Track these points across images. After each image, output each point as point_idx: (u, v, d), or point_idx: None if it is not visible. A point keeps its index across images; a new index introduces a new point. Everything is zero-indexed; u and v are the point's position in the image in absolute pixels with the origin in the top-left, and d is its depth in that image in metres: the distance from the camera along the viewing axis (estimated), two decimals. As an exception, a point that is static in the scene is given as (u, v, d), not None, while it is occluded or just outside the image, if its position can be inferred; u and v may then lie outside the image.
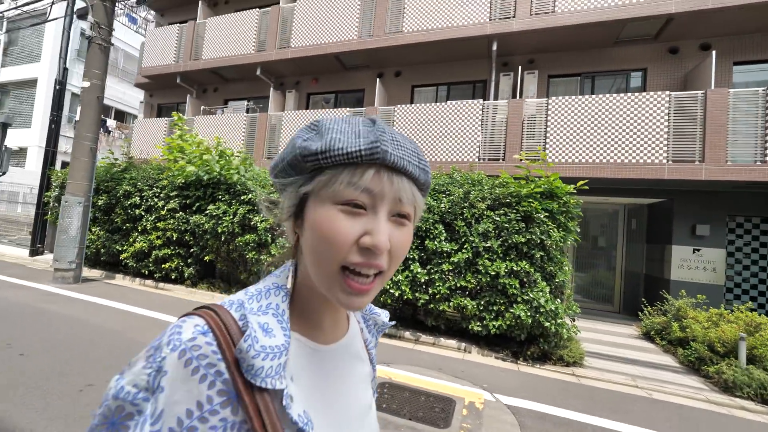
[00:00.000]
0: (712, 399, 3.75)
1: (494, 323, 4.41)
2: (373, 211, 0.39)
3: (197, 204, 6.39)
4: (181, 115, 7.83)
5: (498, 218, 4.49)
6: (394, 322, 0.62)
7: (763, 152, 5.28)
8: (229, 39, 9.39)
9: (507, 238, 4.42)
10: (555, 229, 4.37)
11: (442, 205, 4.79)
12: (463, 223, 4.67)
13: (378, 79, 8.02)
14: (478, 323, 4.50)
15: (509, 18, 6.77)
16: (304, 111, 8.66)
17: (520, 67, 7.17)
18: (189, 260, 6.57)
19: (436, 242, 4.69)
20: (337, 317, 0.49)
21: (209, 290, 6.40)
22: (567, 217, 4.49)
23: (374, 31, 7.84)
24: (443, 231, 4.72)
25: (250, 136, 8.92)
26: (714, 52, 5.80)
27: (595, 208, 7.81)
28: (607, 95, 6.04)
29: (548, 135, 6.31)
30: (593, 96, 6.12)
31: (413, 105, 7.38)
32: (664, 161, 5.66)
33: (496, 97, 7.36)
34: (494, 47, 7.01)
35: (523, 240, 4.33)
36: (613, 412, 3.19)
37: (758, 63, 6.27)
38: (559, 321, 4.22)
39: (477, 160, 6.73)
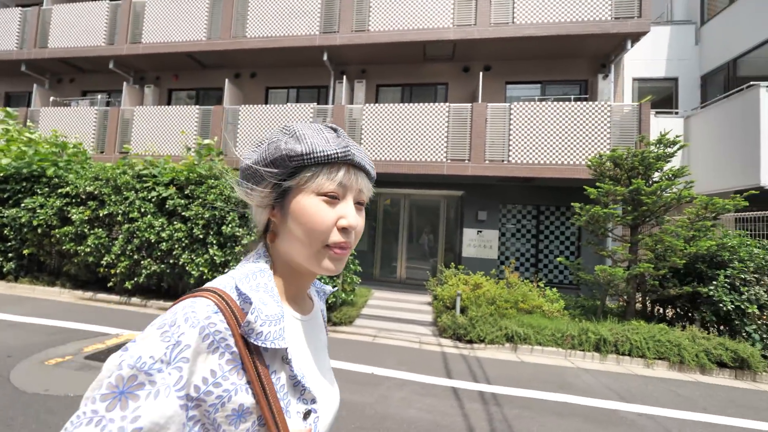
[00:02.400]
0: (425, 341, 5.00)
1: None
2: (344, 199, 0.51)
3: (15, 197, 6.36)
4: (9, 110, 7.55)
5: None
6: (336, 288, 0.83)
7: (508, 154, 6.86)
8: (78, 29, 9.12)
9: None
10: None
11: (230, 192, 5.52)
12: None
13: (227, 80, 8.50)
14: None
15: (334, 33, 7.71)
16: (165, 107, 8.80)
17: (344, 77, 8.15)
18: (9, 255, 6.50)
19: (230, 228, 5.41)
20: (305, 294, 0.59)
21: (31, 284, 6.41)
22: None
23: (221, 33, 8.30)
24: (236, 218, 5.46)
25: (101, 130, 8.83)
26: (481, 74, 7.31)
27: (427, 199, 9.18)
28: (406, 104, 7.27)
29: (363, 136, 7.37)
30: (396, 105, 7.31)
31: (258, 106, 8.01)
32: (444, 160, 7.02)
33: (334, 102, 8.30)
34: (325, 57, 7.91)
35: (294, 224, 5.24)
36: (335, 352, 4.20)
37: (524, 83, 7.99)
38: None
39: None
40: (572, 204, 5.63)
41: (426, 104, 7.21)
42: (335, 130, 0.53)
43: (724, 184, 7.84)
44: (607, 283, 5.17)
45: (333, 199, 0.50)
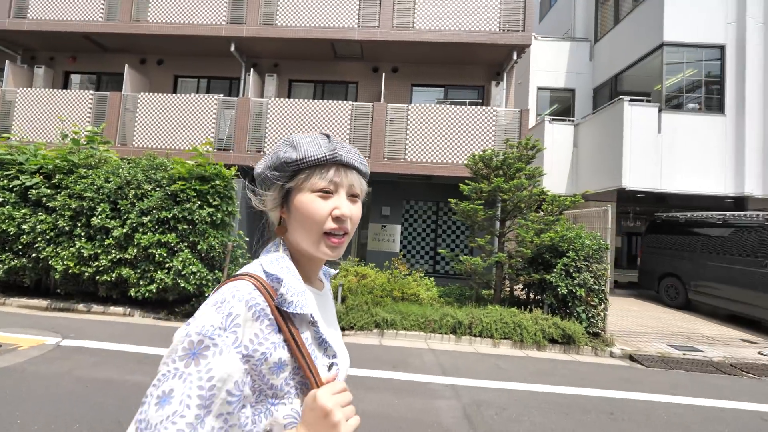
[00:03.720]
0: None
1: (148, 288, 5.15)
2: (337, 193, 0.61)
3: None
4: None
5: (152, 196, 5.22)
6: (338, 271, 0.89)
7: (405, 152, 7.22)
8: (-50, -3, 8.15)
9: (157, 215, 5.18)
10: (204, 207, 5.30)
11: (110, 184, 5.31)
12: (128, 202, 5.28)
13: (126, 66, 8.05)
14: (135, 289, 5.18)
15: (241, 24, 7.61)
16: (53, 90, 8.12)
17: (252, 69, 8.08)
18: None
19: (99, 219, 5.18)
20: (317, 275, 0.72)
21: None
22: (220, 197, 5.48)
23: (121, 15, 7.85)
24: (107, 209, 5.24)
25: (-22, 112, 7.96)
26: (384, 75, 7.61)
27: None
28: (311, 100, 7.38)
29: (267, 131, 7.37)
30: (301, 100, 7.39)
31: (159, 94, 7.68)
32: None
33: (245, 95, 8.18)
34: (232, 48, 7.78)
35: (168, 215, 5.16)
36: None
37: (429, 86, 8.44)
38: (200, 281, 5.17)
39: (213, 150, 7.43)
40: (449, 200, 6.09)
41: (330, 101, 7.37)
42: (327, 137, 0.63)
43: (602, 185, 8.86)
44: (473, 272, 5.67)
45: (327, 194, 0.61)
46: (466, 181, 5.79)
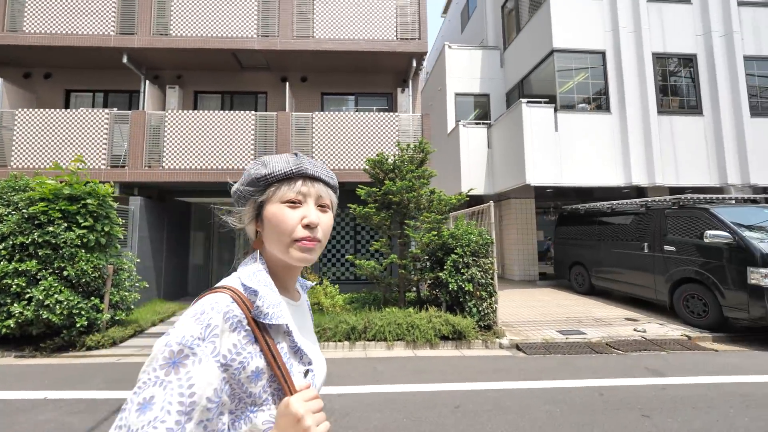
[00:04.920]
0: None
1: (5, 323, 4.60)
2: (305, 203, 0.66)
3: None
4: None
5: (8, 221, 4.72)
6: (315, 283, 1.03)
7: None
8: None
9: (12, 240, 4.69)
10: (74, 228, 4.87)
11: (-45, 212, 4.72)
12: (7, 223, 4.72)
13: (1, 80, 7.33)
14: (-11, 326, 4.61)
15: (132, 35, 7.23)
16: None
17: (147, 82, 7.70)
18: None
19: (-58, 251, 4.58)
20: (293, 286, 0.75)
21: None
22: (96, 217, 5.07)
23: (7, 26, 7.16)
24: (-48, 239, 4.65)
25: None
26: (291, 84, 7.56)
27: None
28: (210, 112, 7.14)
29: (165, 145, 6.99)
30: (200, 112, 7.13)
31: (40, 110, 7.05)
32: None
33: (144, 108, 7.73)
34: (125, 59, 7.36)
35: (27, 240, 4.68)
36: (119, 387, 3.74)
37: (339, 95, 8.51)
38: (70, 310, 4.70)
39: (104, 167, 6.92)
40: (348, 205, 6.10)
41: (233, 112, 7.17)
42: (296, 155, 0.69)
43: (510, 183, 9.35)
44: (373, 275, 5.68)
45: (296, 204, 0.65)
46: (359, 185, 5.84)
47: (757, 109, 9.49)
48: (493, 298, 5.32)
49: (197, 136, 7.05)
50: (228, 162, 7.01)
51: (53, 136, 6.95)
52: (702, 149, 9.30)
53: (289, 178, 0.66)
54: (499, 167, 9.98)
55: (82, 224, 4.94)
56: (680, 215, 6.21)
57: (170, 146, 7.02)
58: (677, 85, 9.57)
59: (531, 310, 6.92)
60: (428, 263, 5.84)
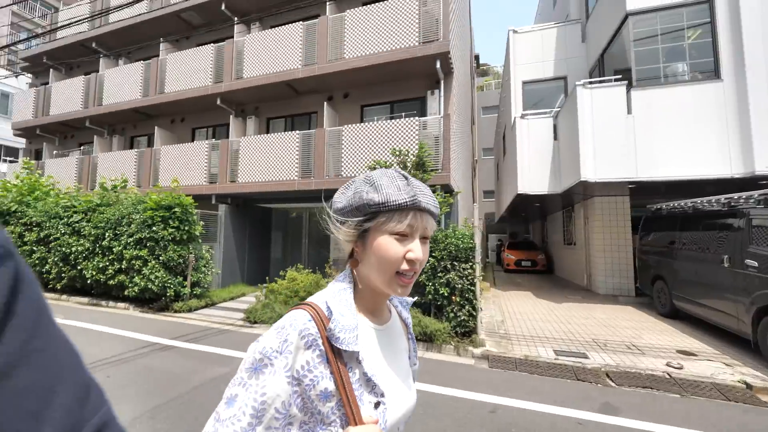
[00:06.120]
0: (233, 323, 6.39)
1: (132, 289, 7.10)
2: (412, 237, 0.66)
3: None
4: (27, 160, 10.59)
5: (134, 223, 7.22)
6: (415, 299, 0.96)
7: (339, 170, 8.04)
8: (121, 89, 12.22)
9: (137, 236, 7.14)
10: (167, 228, 7.07)
11: (108, 215, 7.52)
12: (123, 228, 7.39)
13: (156, 127, 10.80)
14: (129, 290, 7.18)
15: (220, 83, 9.61)
16: (266, 135, 11.34)
17: (231, 116, 9.96)
18: None
19: (105, 242, 7.40)
20: (383, 307, 0.75)
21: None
22: (181, 220, 7.20)
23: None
24: (111, 234, 7.43)
25: (140, 167, 11.66)
26: (327, 103, 8.63)
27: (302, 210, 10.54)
28: (266, 135, 8.85)
29: (240, 163, 9.06)
30: (259, 136, 8.94)
31: (172, 146, 10.13)
32: (296, 178, 8.41)
33: (227, 136, 10.08)
34: (218, 101, 9.83)
35: (142, 236, 7.06)
36: (175, 337, 5.86)
37: (377, 105, 9.11)
38: (163, 283, 6.88)
39: (204, 182, 9.48)
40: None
41: (282, 133, 8.72)
42: (406, 178, 0.68)
43: (569, 180, 8.13)
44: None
45: (403, 237, 0.65)
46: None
47: None
48: (473, 305, 5.07)
49: (259, 156, 8.85)
50: (279, 174, 8.56)
51: (178, 161, 9.87)
52: None
53: (401, 209, 0.65)
54: (565, 161, 8.71)
55: (171, 225, 7.11)
56: (768, 217, 4.45)
57: (243, 165, 9.03)
58: None
59: (558, 327, 6.07)
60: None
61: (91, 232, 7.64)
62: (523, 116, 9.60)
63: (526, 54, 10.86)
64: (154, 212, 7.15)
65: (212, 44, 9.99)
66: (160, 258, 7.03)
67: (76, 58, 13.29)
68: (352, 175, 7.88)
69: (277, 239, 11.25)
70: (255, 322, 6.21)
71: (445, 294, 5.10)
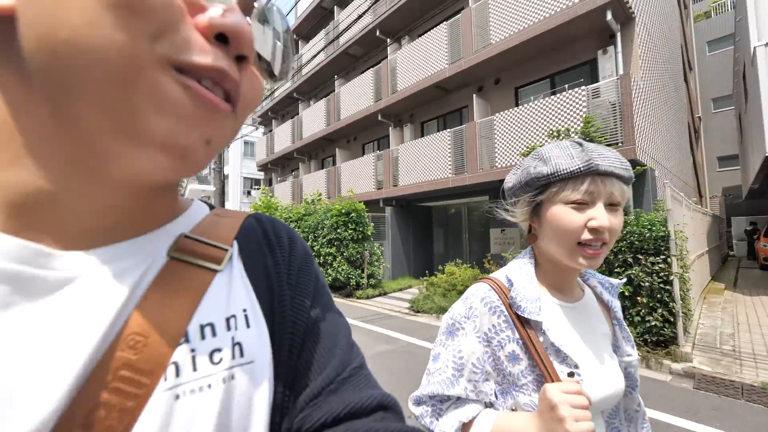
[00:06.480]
0: (400, 311, 7.25)
1: (327, 279, 8.96)
2: (593, 204, 0.61)
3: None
4: (264, 187, 15.26)
5: (325, 227, 9.12)
6: (624, 280, 0.85)
7: (493, 162, 7.71)
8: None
9: (328, 237, 8.97)
10: (348, 230, 8.60)
11: (310, 222, 9.71)
12: (320, 231, 9.45)
13: (337, 148, 13.22)
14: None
15: (380, 100, 10.92)
16: (420, 139, 14.57)
17: (390, 126, 11.05)
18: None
19: (309, 243, 9.63)
20: (571, 285, 0.71)
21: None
22: (357, 222, 8.61)
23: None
24: (311, 236, 9.62)
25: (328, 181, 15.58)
26: (475, 95, 8.46)
27: (460, 205, 10.37)
28: (418, 140, 9.47)
29: (400, 167, 10.05)
30: (412, 142, 9.65)
31: (352, 161, 12.21)
32: (450, 175, 8.64)
33: (388, 146, 11.27)
34: (379, 117, 11.20)
35: (331, 236, 8.81)
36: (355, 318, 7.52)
37: (533, 83, 8.24)
38: (348, 275, 8.41)
39: (373, 189, 10.97)
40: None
41: (430, 136, 9.18)
42: (581, 145, 0.64)
43: None
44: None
45: (582, 204, 0.61)
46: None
47: None
48: (669, 309, 3.91)
49: (414, 159, 9.53)
50: (433, 174, 8.97)
51: (353, 173, 11.76)
52: None
53: (574, 176, 0.61)
54: None
55: (350, 227, 8.59)
56: None
57: (402, 169, 9.94)
58: None
59: None
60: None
61: (301, 235, 10.07)
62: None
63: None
64: (337, 218, 8.81)
65: (371, 69, 11.50)
66: (344, 254, 8.60)
67: (285, 108, 17.90)
68: (508, 165, 7.43)
69: (438, 235, 11.76)
70: (418, 311, 6.74)
71: (626, 293, 4.14)
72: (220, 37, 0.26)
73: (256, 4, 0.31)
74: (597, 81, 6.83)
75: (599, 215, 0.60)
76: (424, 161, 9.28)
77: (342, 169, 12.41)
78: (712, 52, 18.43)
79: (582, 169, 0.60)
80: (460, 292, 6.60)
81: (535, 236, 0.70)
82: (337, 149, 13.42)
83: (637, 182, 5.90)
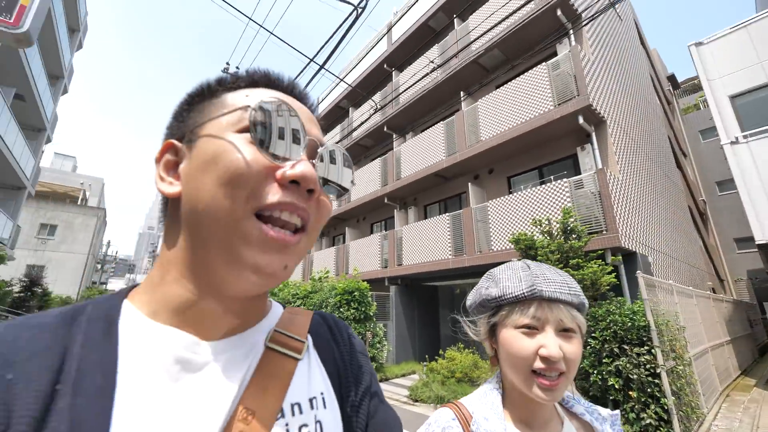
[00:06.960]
0: (399, 399, 6.97)
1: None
2: (543, 330, 0.58)
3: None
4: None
5: (329, 305, 9.26)
6: (618, 412, 0.74)
7: (489, 245, 8.06)
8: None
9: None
10: (350, 309, 8.72)
11: (315, 300, 9.88)
12: (324, 309, 9.57)
13: (347, 227, 13.97)
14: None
15: (386, 185, 11.90)
16: (423, 221, 15.19)
17: (395, 209, 11.82)
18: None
19: (313, 321, 9.68)
20: (543, 419, 0.63)
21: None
22: (359, 302, 8.75)
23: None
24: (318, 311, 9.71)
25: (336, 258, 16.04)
26: (471, 183, 9.20)
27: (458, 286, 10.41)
28: (420, 222, 10.03)
29: (404, 248, 10.47)
30: (414, 224, 10.21)
31: (359, 240, 12.81)
32: (450, 256, 8.95)
33: (393, 227, 11.90)
34: (385, 200, 12.05)
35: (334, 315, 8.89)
36: None
37: (523, 173, 8.97)
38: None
39: (378, 268, 11.28)
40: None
41: (431, 219, 9.74)
42: (529, 267, 0.63)
43: None
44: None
45: (532, 329, 0.59)
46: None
47: None
48: (661, 405, 3.76)
49: (417, 240, 10.00)
50: (435, 255, 9.31)
51: (360, 251, 12.22)
52: None
53: (520, 300, 0.60)
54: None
55: (353, 306, 8.72)
56: None
57: (406, 249, 10.36)
58: None
59: None
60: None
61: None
62: (736, 140, 7.25)
63: (729, 62, 8.53)
64: (341, 296, 9.01)
65: (379, 158, 12.79)
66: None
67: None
68: (502, 249, 7.75)
69: (444, 316, 11.56)
70: (416, 400, 6.46)
71: (617, 386, 4.04)
72: (294, 181, 0.37)
73: (319, 150, 0.42)
74: (580, 173, 7.46)
75: (549, 343, 0.58)
76: (426, 242, 9.71)
77: (350, 247, 12.95)
78: (706, 140, 19.43)
79: (526, 293, 0.60)
80: (459, 380, 6.42)
81: (497, 359, 0.67)
82: (346, 228, 14.17)
83: (627, 268, 6.07)
